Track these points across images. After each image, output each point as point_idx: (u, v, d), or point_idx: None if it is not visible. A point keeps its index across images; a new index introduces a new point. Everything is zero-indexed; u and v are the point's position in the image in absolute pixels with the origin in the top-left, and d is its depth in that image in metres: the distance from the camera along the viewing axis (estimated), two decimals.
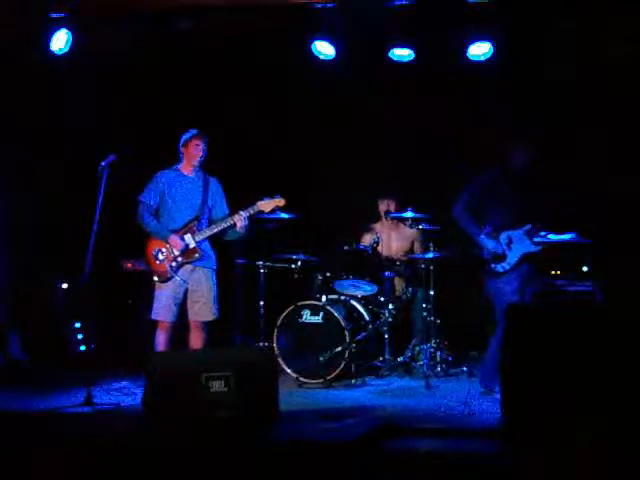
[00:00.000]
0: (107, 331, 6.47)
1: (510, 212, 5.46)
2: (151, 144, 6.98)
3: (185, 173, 5.81)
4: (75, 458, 4.26)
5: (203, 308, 5.66)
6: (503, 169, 5.54)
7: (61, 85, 6.80)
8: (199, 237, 5.65)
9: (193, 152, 5.75)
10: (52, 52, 6.25)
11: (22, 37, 6.24)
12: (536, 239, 5.40)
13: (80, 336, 6.79)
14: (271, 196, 5.71)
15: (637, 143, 6.26)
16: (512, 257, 5.43)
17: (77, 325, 6.81)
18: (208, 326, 5.72)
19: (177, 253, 5.62)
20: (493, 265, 5.48)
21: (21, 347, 6.40)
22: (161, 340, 5.65)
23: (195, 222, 5.69)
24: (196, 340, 5.68)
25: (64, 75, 6.66)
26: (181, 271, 5.64)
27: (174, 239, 5.62)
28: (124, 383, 6.06)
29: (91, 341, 6.51)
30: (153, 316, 5.67)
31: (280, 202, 5.71)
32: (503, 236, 5.47)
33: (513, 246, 5.44)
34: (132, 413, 5.14)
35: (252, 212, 5.69)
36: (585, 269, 6.31)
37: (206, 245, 5.73)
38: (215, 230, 5.68)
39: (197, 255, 5.64)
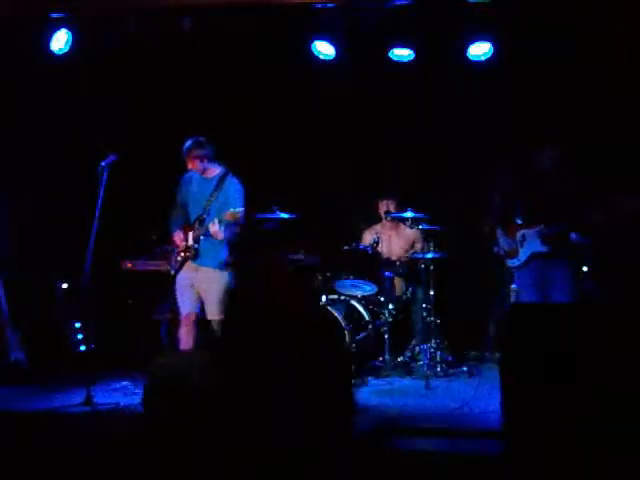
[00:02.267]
0: (107, 331, 6.46)
1: (526, 210, 5.52)
2: (151, 144, 6.99)
3: (203, 174, 5.85)
4: (75, 458, 4.26)
5: (209, 307, 5.72)
6: (517, 168, 5.60)
7: (61, 85, 6.80)
8: (195, 235, 5.71)
9: (189, 166, 5.84)
10: (52, 52, 6.26)
11: (22, 37, 6.24)
12: (546, 239, 5.46)
13: (80, 336, 6.78)
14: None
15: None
16: (523, 254, 5.55)
17: (77, 325, 6.81)
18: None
19: (179, 249, 5.78)
20: (506, 260, 5.65)
21: (21, 347, 6.40)
22: (180, 334, 5.77)
23: (197, 221, 5.74)
24: None
25: (64, 75, 6.66)
26: (185, 268, 5.77)
27: (176, 234, 5.80)
28: (124, 383, 6.05)
29: (91, 341, 6.50)
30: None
31: (236, 214, 5.52)
32: (519, 234, 5.56)
33: (525, 244, 5.53)
34: (132, 413, 5.14)
35: (222, 221, 5.58)
36: (585, 269, 6.32)
37: (209, 244, 5.70)
38: (204, 231, 5.67)
39: (189, 254, 5.72)
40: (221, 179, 5.79)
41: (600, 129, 6.35)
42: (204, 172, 5.83)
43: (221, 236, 5.58)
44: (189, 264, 5.76)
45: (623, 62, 6.05)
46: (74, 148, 6.86)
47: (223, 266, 5.75)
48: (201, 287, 5.74)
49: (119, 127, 6.93)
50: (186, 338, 5.72)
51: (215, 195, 5.74)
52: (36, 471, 4.23)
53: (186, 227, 5.80)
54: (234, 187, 5.79)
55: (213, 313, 5.70)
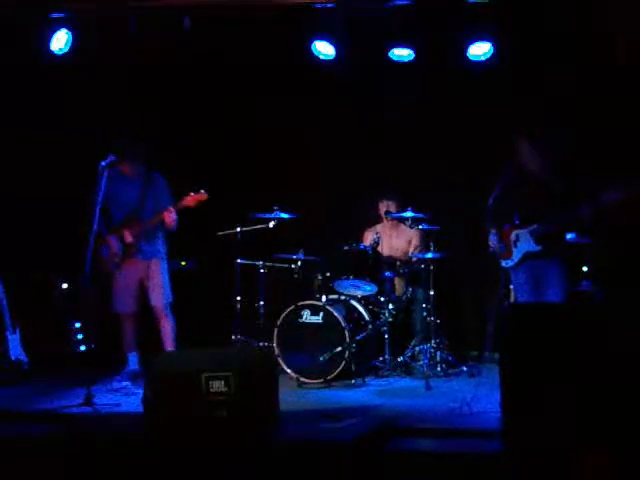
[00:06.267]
0: (107, 331, 6.47)
1: (523, 210, 5.53)
2: (150, 144, 6.98)
3: (124, 173, 6.01)
4: (75, 458, 4.27)
5: (152, 294, 6.03)
6: (515, 167, 5.60)
7: (61, 85, 6.79)
8: (135, 232, 5.96)
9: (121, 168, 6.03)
10: (52, 52, 6.26)
11: (22, 37, 6.24)
12: (538, 239, 5.46)
13: (80, 336, 6.79)
14: (196, 191, 5.91)
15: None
16: (516, 254, 5.53)
17: (77, 325, 6.82)
18: (169, 310, 6.05)
19: (115, 251, 6.00)
20: (499, 260, 5.64)
21: (22, 348, 6.40)
22: (124, 330, 6.09)
23: (132, 220, 5.99)
24: (163, 327, 6.03)
25: (64, 75, 6.66)
26: (128, 266, 6.03)
27: (110, 240, 6.00)
28: (124, 383, 6.05)
29: (91, 341, 6.51)
30: (112, 309, 6.12)
31: (202, 196, 5.90)
32: (512, 234, 5.55)
33: (519, 244, 5.53)
34: (132, 413, 5.14)
35: (178, 208, 5.92)
36: (585, 269, 6.32)
37: (148, 239, 6.02)
38: (146, 226, 5.98)
39: (134, 250, 6.00)
40: (147, 177, 6.02)
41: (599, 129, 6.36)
42: (125, 172, 6.00)
43: (172, 225, 5.89)
44: (132, 261, 6.01)
45: (623, 62, 6.06)
46: (74, 148, 6.86)
47: (163, 255, 6.07)
48: (145, 276, 6.03)
49: (119, 127, 6.92)
50: (128, 333, 6.09)
51: (146, 193, 5.97)
52: (36, 471, 4.23)
53: (119, 228, 6.00)
54: (163, 184, 6.06)
55: (156, 298, 6.01)
